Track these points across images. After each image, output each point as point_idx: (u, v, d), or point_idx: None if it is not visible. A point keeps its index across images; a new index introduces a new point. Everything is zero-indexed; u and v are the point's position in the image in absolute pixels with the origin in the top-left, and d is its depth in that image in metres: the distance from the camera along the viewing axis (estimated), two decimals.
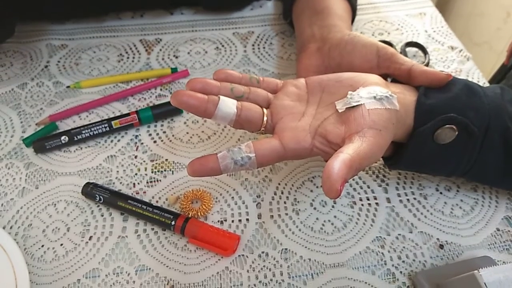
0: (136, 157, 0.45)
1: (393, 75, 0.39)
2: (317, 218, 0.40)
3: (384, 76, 0.39)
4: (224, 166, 0.33)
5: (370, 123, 0.32)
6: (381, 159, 0.41)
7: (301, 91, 0.38)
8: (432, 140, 0.35)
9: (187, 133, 0.47)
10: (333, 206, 0.41)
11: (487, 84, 0.50)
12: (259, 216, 0.40)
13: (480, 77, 0.52)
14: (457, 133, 0.34)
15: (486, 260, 0.36)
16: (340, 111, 0.34)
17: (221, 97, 0.35)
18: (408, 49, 0.55)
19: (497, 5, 1.22)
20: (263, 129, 0.36)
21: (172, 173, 0.44)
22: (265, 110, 0.37)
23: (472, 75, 0.53)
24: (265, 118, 0.36)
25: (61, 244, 0.39)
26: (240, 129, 0.37)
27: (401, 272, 0.37)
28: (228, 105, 0.35)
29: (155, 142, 0.46)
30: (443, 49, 0.56)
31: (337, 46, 0.42)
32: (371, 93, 0.33)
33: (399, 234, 0.39)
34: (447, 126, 0.34)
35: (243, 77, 0.38)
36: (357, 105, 0.33)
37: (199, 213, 0.40)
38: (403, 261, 0.37)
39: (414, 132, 0.35)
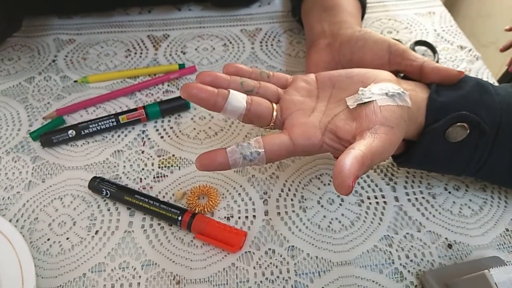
0: (143, 152, 0.45)
1: (404, 71, 0.39)
2: (324, 216, 0.40)
3: (395, 73, 0.38)
4: (233, 161, 0.33)
5: (382, 119, 0.31)
6: (390, 157, 0.41)
7: (311, 86, 0.38)
8: (443, 138, 0.34)
9: (194, 129, 0.47)
10: (340, 204, 0.41)
11: (496, 84, 0.50)
12: (266, 213, 0.40)
13: (489, 77, 0.52)
14: (468, 131, 0.34)
15: (496, 260, 0.36)
16: (351, 107, 0.34)
17: (231, 91, 0.35)
18: (417, 48, 0.55)
19: (504, 6, 1.22)
20: (272, 124, 0.36)
21: (179, 169, 0.43)
22: (274, 105, 0.36)
23: (481, 75, 0.52)
24: (274, 113, 0.36)
25: (67, 238, 0.39)
26: (249, 123, 0.37)
27: (409, 271, 0.36)
28: (238, 99, 0.34)
29: (162, 137, 0.46)
30: (452, 48, 0.55)
31: (348, 42, 0.42)
32: (383, 89, 0.33)
33: (407, 233, 0.39)
34: (458, 124, 0.34)
35: (253, 71, 0.38)
36: (368, 102, 0.33)
37: (205, 209, 0.40)
38: (411, 260, 0.37)
39: (426, 130, 0.34)
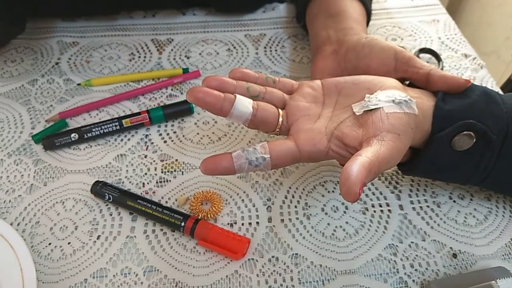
0: (146, 156, 0.45)
1: (411, 79, 0.39)
2: (328, 224, 0.40)
3: (401, 80, 0.38)
4: (238, 166, 0.33)
5: (389, 127, 0.31)
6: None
7: (317, 92, 0.37)
8: (449, 147, 0.34)
9: (198, 133, 0.47)
10: (344, 212, 0.40)
11: (500, 93, 0.50)
12: (270, 220, 0.40)
13: (494, 86, 0.52)
14: (475, 140, 0.34)
15: (501, 270, 0.35)
16: (357, 114, 0.34)
17: (238, 95, 0.35)
18: (421, 55, 0.55)
19: (505, 15, 1.22)
20: (278, 130, 0.36)
21: (182, 174, 0.43)
22: (280, 111, 0.36)
23: (485, 83, 0.52)
24: (280, 119, 0.36)
25: (69, 243, 0.38)
26: (254, 129, 0.36)
27: (413, 280, 0.36)
28: (244, 104, 0.34)
29: (165, 142, 0.46)
30: (456, 56, 0.55)
31: (354, 49, 0.42)
32: (389, 96, 0.33)
33: (412, 242, 0.38)
34: (465, 132, 0.33)
35: (259, 76, 0.38)
36: (375, 109, 0.33)
37: (209, 215, 0.39)
38: (416, 270, 0.37)
39: (432, 138, 0.34)
